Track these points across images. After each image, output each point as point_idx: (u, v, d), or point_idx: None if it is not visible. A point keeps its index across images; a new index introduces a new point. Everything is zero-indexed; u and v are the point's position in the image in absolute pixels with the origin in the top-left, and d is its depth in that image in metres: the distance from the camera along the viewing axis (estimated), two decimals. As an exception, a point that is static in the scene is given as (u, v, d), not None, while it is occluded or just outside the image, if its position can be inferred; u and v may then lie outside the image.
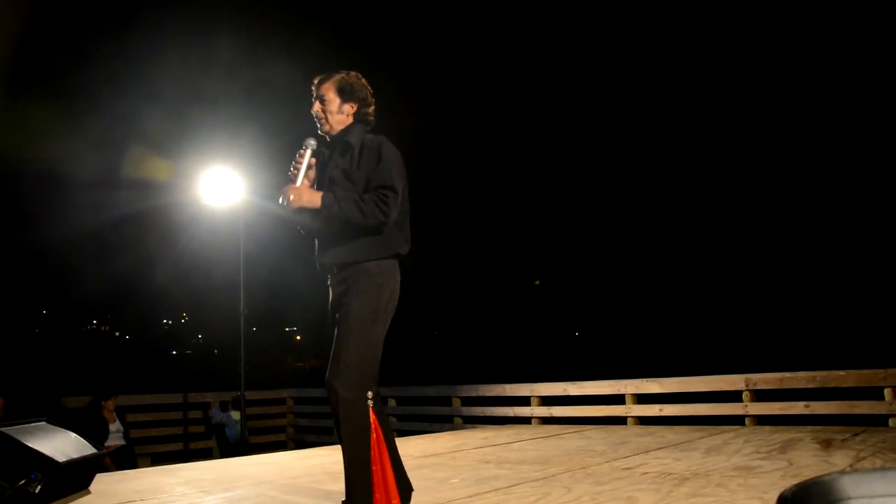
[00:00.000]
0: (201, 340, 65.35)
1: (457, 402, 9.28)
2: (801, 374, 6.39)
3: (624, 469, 4.28)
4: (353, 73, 3.19)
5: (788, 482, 3.47)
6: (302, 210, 3.06)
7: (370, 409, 2.87)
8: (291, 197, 3.00)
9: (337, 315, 3.02)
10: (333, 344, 2.94)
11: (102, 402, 8.72)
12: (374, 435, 2.86)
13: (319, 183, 3.18)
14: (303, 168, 3.06)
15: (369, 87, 3.22)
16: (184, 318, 70.38)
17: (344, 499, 2.86)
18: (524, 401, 8.50)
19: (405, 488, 3.04)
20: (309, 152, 3.10)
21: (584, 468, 4.41)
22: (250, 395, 10.39)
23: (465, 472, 4.55)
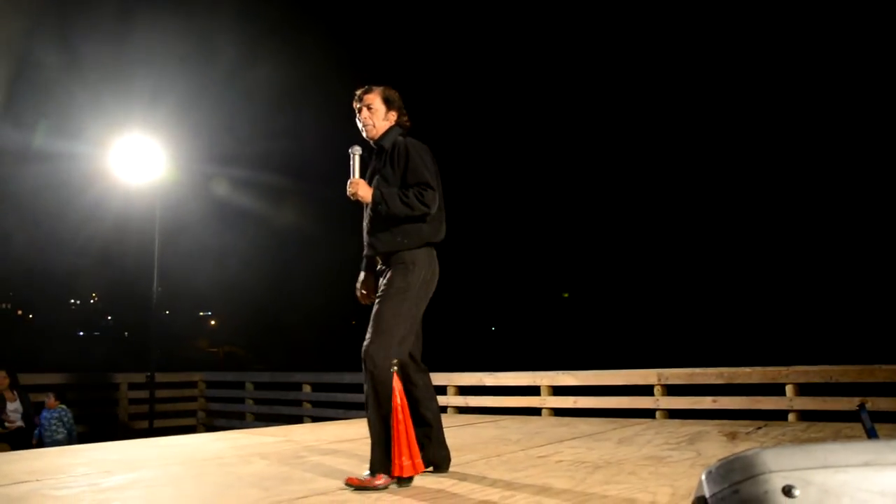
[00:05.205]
0: (111, 322, 62.97)
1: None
2: (710, 370, 6.62)
3: (539, 457, 4.31)
4: (391, 88, 3.69)
5: (697, 471, 3.57)
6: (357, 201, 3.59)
7: (394, 374, 3.26)
8: (350, 189, 3.55)
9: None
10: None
11: None
12: (398, 400, 3.22)
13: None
14: (357, 169, 3.58)
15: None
16: (93, 298, 67.59)
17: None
18: (441, 390, 8.49)
19: (441, 457, 3.62)
20: (358, 158, 3.59)
21: (499, 455, 4.42)
22: (160, 377, 10.08)
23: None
